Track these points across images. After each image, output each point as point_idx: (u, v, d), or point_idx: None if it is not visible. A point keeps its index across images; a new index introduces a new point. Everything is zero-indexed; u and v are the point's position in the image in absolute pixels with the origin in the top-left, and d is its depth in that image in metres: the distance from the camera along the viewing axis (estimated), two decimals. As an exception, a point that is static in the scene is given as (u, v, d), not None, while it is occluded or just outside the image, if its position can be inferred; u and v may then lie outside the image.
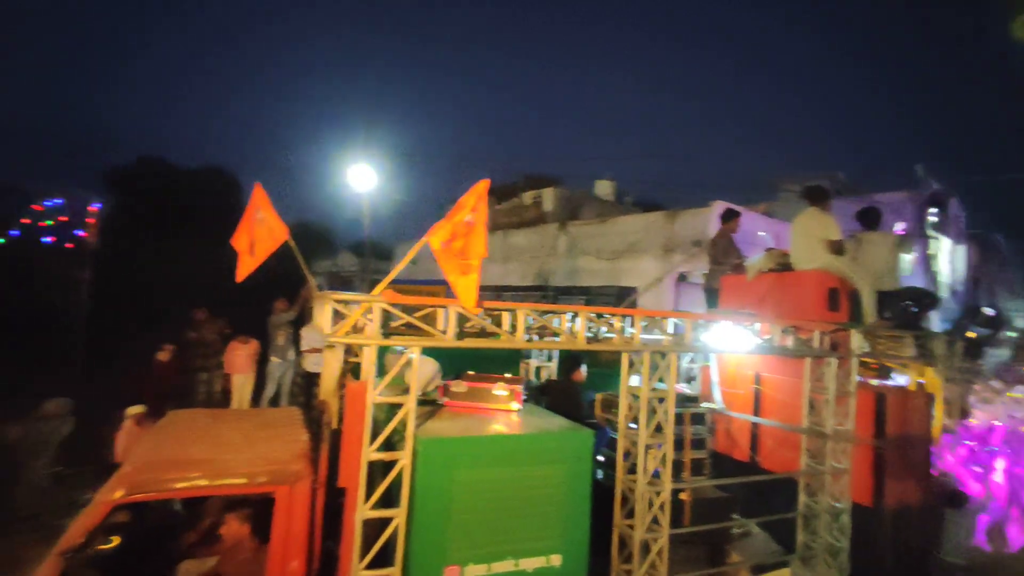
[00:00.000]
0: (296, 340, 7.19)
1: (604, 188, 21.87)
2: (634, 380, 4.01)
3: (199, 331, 7.66)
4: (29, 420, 6.12)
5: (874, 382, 5.38)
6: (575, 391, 5.56)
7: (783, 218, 12.44)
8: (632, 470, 3.92)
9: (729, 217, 7.17)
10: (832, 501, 4.69)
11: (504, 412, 3.86)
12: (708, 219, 11.10)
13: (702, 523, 4.53)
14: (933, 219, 16.79)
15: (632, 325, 3.89)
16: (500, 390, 3.90)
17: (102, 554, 2.98)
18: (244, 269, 4.42)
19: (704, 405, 5.66)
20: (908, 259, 6.90)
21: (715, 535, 4.63)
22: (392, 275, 3.24)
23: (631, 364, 4.00)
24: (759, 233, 11.64)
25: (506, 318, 3.53)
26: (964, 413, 8.63)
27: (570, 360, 5.71)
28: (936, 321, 11.60)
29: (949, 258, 17.88)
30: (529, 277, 15.41)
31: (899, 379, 5.71)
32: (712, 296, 6.88)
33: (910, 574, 4.69)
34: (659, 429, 3.95)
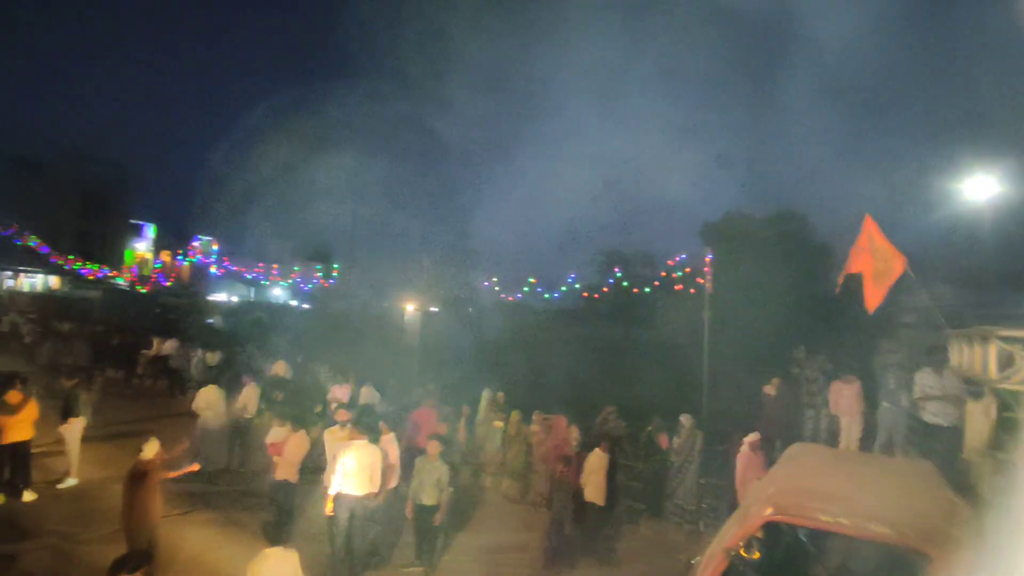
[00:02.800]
0: (909, 384, 6.33)
1: None
2: None
3: (800, 368, 7.88)
4: (681, 432, 7.75)
5: None
6: None
7: None
8: None
9: None
10: None
11: None
12: None
13: None
14: None
15: None
16: None
17: (749, 562, 3.41)
18: (872, 299, 4.40)
19: None
20: None
21: None
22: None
23: None
24: None
25: None
26: None
27: None
28: None
29: None
30: None
31: None
32: None
33: None
34: None
